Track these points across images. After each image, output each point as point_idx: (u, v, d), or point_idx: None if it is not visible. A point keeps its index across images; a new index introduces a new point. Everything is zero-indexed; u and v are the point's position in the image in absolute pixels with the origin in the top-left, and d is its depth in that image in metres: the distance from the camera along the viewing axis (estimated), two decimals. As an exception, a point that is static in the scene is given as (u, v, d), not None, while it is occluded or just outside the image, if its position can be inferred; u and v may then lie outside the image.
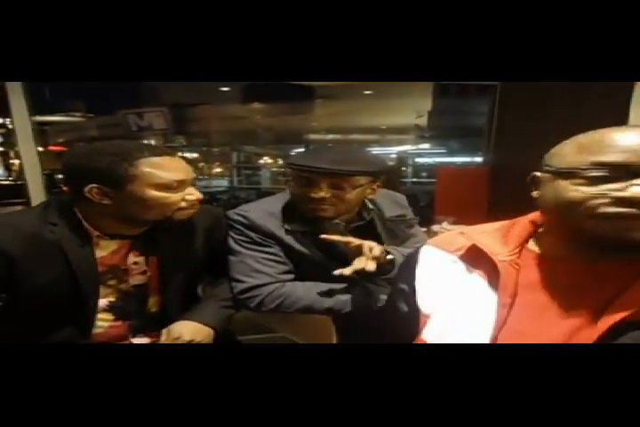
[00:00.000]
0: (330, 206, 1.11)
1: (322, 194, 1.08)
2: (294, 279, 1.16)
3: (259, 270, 1.12)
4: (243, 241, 1.15)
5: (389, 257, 1.09)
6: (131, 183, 0.90)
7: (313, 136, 7.49)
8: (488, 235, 0.68)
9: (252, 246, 1.14)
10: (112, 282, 1.04)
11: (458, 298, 0.67)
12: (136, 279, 1.06)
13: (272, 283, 1.11)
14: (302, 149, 1.27)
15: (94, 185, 0.90)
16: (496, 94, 2.43)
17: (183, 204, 0.96)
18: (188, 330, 1.02)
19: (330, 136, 7.96)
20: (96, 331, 1.04)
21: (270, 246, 1.14)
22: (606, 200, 0.52)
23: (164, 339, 1.01)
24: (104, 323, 1.05)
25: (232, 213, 1.18)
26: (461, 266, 0.69)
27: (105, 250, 1.01)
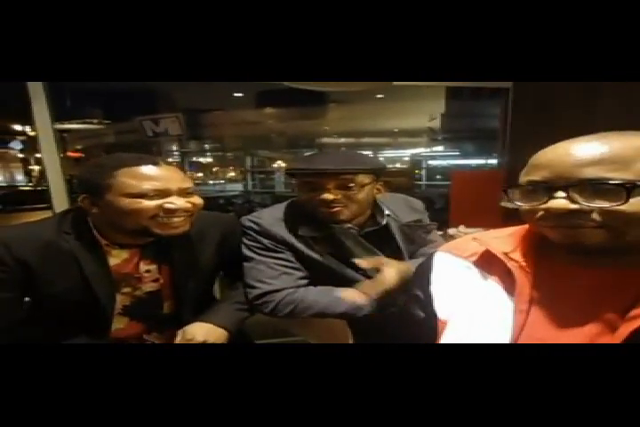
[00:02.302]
0: (343, 208, 1.11)
1: (331, 196, 1.09)
2: (307, 285, 1.16)
3: (271, 276, 1.13)
4: (255, 247, 1.16)
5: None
6: (108, 193, 0.93)
7: (326, 140, 7.51)
8: (501, 240, 0.68)
9: (265, 253, 1.15)
10: (126, 289, 1.06)
11: (474, 304, 0.66)
12: (149, 286, 1.09)
13: (285, 289, 1.12)
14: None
15: (84, 195, 0.96)
16: (509, 96, 2.42)
17: (160, 212, 0.94)
18: (201, 331, 1.04)
19: (342, 140, 7.98)
20: (114, 331, 1.07)
21: (283, 252, 1.15)
22: (540, 213, 0.57)
23: (178, 340, 1.03)
24: (119, 325, 1.08)
25: (245, 220, 1.19)
26: (476, 272, 0.69)
27: (117, 258, 1.04)
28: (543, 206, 0.56)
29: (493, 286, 0.65)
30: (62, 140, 2.09)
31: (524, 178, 0.60)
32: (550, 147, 0.58)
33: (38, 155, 1.92)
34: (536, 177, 0.58)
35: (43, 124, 1.81)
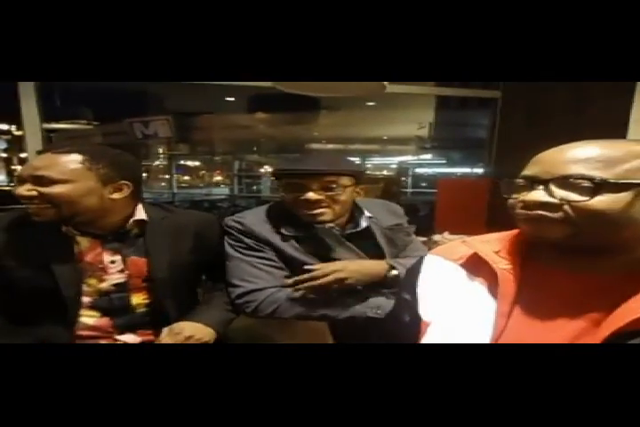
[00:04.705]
0: (327, 209, 1.14)
1: (315, 196, 1.12)
2: None
3: (255, 275, 1.13)
4: (238, 246, 1.17)
5: (394, 273, 1.12)
6: None
7: (314, 145, 7.52)
8: (489, 244, 0.69)
9: (248, 252, 1.16)
10: (92, 281, 1.07)
11: (458, 306, 0.67)
12: (114, 278, 1.08)
13: (268, 288, 1.12)
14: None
15: None
16: (497, 106, 2.48)
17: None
18: (189, 327, 1.04)
19: (331, 146, 7.99)
20: (82, 327, 1.07)
21: (265, 252, 1.16)
22: (519, 205, 0.62)
23: (164, 334, 1.02)
24: (89, 319, 1.07)
25: (228, 220, 1.21)
26: (463, 274, 0.70)
27: (80, 246, 1.06)
28: (522, 198, 0.61)
29: (479, 289, 0.67)
30: (49, 140, 2.07)
31: (520, 174, 0.64)
32: (562, 146, 0.61)
33: (22, 155, 1.89)
34: (528, 172, 0.62)
35: (31, 124, 1.80)
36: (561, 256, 0.63)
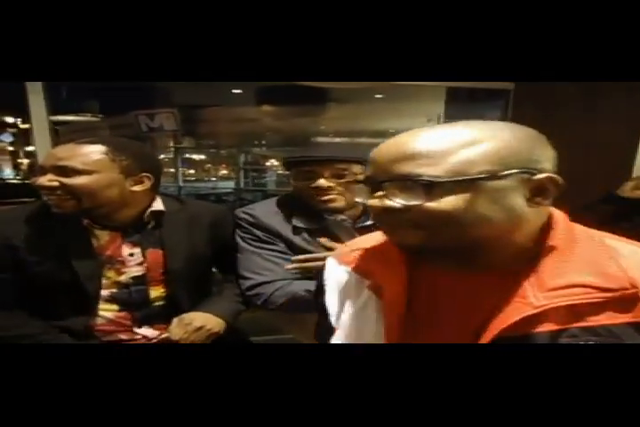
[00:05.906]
0: (338, 196, 1.13)
1: (327, 183, 1.11)
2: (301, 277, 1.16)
3: (265, 268, 1.13)
4: (249, 239, 1.17)
5: None
6: None
7: (321, 139, 7.48)
8: (375, 243, 0.66)
9: (259, 244, 1.16)
10: (110, 273, 1.07)
11: (354, 313, 0.65)
12: (133, 271, 1.09)
13: (278, 280, 1.12)
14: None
15: None
16: (509, 99, 2.43)
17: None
18: (200, 317, 1.05)
19: (337, 139, 7.95)
20: (102, 321, 1.07)
21: (276, 244, 1.16)
22: (372, 212, 0.57)
23: (174, 325, 1.03)
24: (109, 313, 1.08)
25: (239, 212, 1.21)
26: (354, 279, 0.67)
27: (100, 239, 1.06)
28: (367, 204, 0.56)
29: (370, 295, 0.63)
30: (55, 132, 2.06)
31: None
32: (388, 139, 0.56)
33: (28, 148, 1.89)
34: (367, 172, 0.57)
35: (38, 117, 1.78)
36: (433, 258, 0.59)
